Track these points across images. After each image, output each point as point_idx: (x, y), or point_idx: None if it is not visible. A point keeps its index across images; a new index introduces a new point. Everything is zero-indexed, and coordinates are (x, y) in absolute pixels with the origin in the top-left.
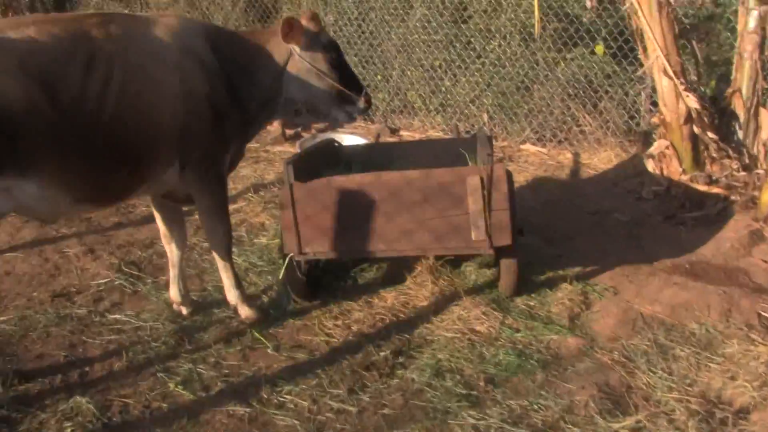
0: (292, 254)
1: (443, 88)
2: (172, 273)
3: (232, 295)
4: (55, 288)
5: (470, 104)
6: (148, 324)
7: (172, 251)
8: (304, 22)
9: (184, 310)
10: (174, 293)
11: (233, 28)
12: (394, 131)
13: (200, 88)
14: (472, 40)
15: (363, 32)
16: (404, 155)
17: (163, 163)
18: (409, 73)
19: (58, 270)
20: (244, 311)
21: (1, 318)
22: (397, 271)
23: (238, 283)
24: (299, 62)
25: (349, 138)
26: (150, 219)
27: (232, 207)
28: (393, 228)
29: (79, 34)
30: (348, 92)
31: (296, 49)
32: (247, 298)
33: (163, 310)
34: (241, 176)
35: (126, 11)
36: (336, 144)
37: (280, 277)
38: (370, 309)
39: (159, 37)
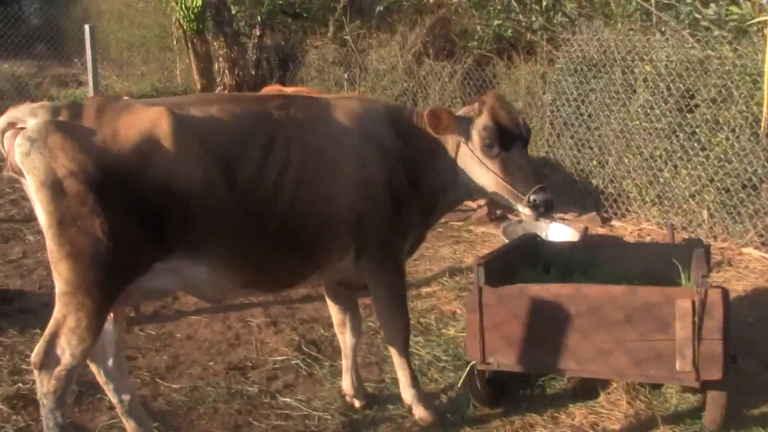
0: (474, 362)
1: (661, 180)
2: (345, 364)
3: (407, 393)
4: (232, 360)
5: (689, 199)
6: (318, 413)
7: (345, 341)
8: (478, 106)
9: (357, 403)
10: (346, 385)
11: (449, 99)
12: (605, 221)
13: (379, 175)
14: (697, 130)
15: (581, 114)
16: (610, 258)
17: (338, 251)
18: (626, 160)
19: (238, 340)
20: (419, 412)
21: (174, 386)
22: (590, 384)
23: (415, 381)
24: (465, 149)
25: (554, 227)
26: None
27: (424, 290)
28: (588, 347)
29: (260, 115)
30: (512, 189)
31: (459, 137)
32: (424, 398)
33: (335, 398)
34: (439, 257)
35: (345, 75)
36: (537, 239)
37: (460, 383)
38: (555, 425)
39: (339, 121)
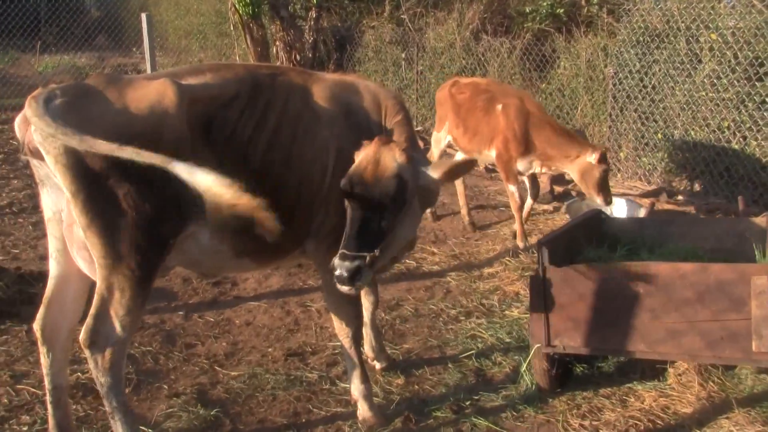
0: (539, 345)
1: (730, 152)
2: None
3: (356, 388)
4: (291, 345)
5: (760, 171)
6: (378, 399)
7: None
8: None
9: (378, 365)
10: (367, 348)
11: (508, 76)
12: (671, 195)
13: (350, 150)
14: (767, 99)
15: (645, 86)
16: (679, 234)
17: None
18: (693, 132)
19: (297, 325)
20: (364, 411)
21: (233, 373)
22: (661, 365)
23: (365, 377)
24: None
25: (620, 203)
26: (400, 278)
27: (486, 271)
28: (658, 327)
29: (245, 80)
30: None
31: None
32: (372, 398)
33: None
34: (501, 236)
35: (402, 55)
36: (602, 216)
37: (525, 366)
38: (624, 409)
39: (323, 92)
